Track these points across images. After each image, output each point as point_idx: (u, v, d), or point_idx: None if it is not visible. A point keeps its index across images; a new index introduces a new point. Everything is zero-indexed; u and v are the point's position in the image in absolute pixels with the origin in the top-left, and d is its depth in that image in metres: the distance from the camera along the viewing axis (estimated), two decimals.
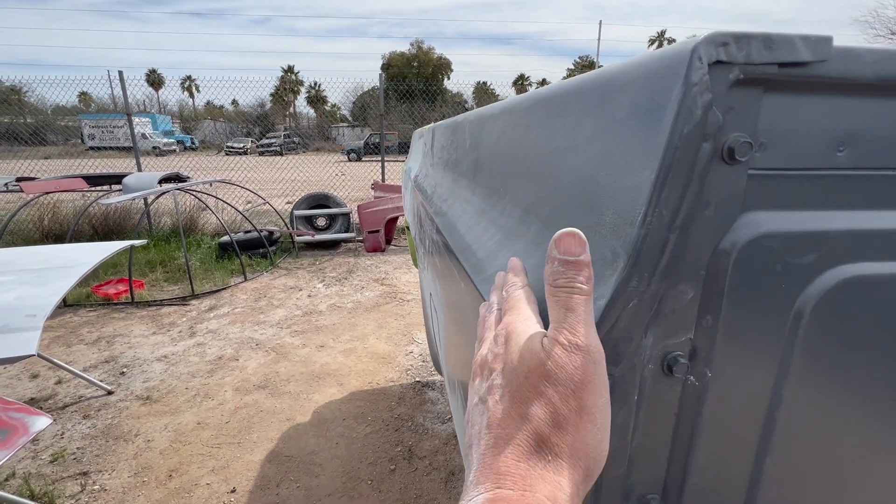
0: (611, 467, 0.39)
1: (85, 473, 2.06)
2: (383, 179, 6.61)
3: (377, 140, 9.81)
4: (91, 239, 5.49)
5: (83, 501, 1.90)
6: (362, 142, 24.54)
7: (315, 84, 47.05)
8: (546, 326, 0.34)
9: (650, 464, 0.40)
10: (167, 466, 2.10)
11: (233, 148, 25.24)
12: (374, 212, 3.86)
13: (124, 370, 2.93)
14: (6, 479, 1.99)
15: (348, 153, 23.77)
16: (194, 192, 5.04)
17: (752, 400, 0.38)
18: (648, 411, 0.38)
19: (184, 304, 4.03)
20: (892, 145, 0.35)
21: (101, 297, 4.07)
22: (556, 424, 0.30)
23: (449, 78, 46.53)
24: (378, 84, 6.69)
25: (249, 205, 6.75)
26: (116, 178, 5.38)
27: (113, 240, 4.74)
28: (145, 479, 2.03)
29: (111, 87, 7.27)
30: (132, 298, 4.03)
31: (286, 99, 47.51)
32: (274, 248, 5.47)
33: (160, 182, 5.00)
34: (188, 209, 6.18)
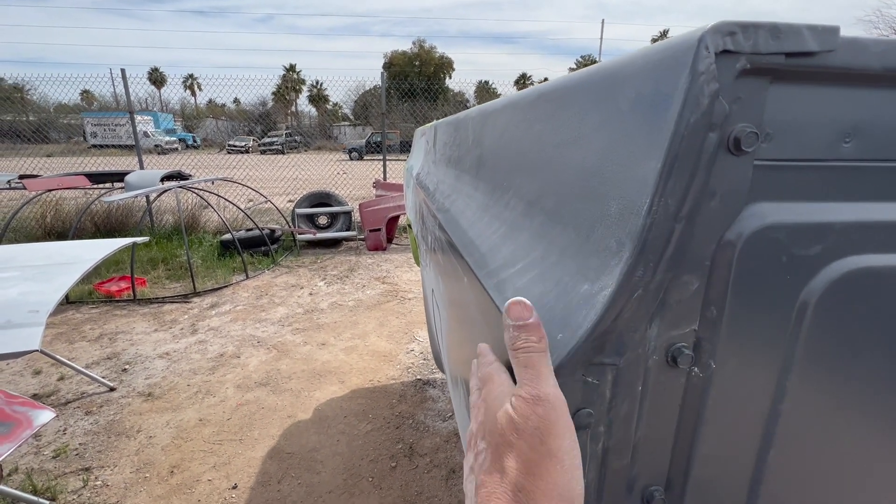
0: (615, 459, 0.39)
1: (87, 469, 2.06)
2: (385, 178, 6.61)
3: (379, 139, 9.80)
4: (93, 236, 5.50)
5: (85, 497, 1.91)
6: (364, 141, 24.50)
7: (317, 83, 47.03)
8: None
9: (654, 455, 0.40)
10: (169, 463, 2.10)
11: (234, 146, 25.21)
12: (375, 210, 3.86)
13: (126, 367, 2.94)
14: (9, 474, 2.00)
15: (350, 152, 23.74)
16: (196, 190, 5.05)
17: (756, 392, 0.38)
18: (652, 403, 0.38)
19: (185, 302, 4.03)
20: None
21: (103, 295, 4.08)
22: (528, 471, 0.33)
23: (451, 77, 46.49)
24: (380, 83, 6.69)
25: (251, 203, 6.76)
26: (119, 176, 5.39)
27: (115, 237, 4.74)
28: (147, 475, 2.03)
29: (113, 85, 7.28)
30: (134, 296, 4.04)
31: (288, 97, 47.52)
32: (275, 246, 5.47)
33: (162, 180, 5.02)
34: (190, 207, 6.19)
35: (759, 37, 0.30)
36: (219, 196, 5.32)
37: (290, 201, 7.17)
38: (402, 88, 9.00)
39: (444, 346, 1.29)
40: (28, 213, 5.56)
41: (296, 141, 26.56)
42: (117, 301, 4.02)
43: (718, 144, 0.32)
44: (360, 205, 4.04)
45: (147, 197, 5.65)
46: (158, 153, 22.02)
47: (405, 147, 17.09)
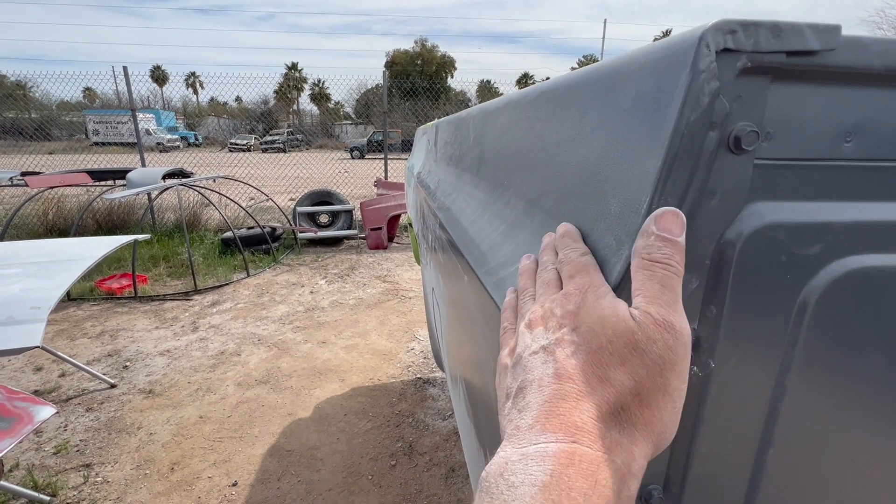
0: None
1: (88, 465, 2.07)
2: (386, 177, 6.62)
3: (380, 138, 9.80)
4: (95, 233, 5.51)
5: (86, 493, 1.92)
6: (365, 139, 24.52)
7: (318, 81, 47.14)
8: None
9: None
10: (169, 459, 2.11)
11: (236, 144, 25.23)
12: (376, 209, 3.86)
13: (127, 364, 2.95)
14: (10, 470, 2.01)
15: (351, 151, 23.74)
16: (198, 188, 5.05)
17: (756, 391, 0.38)
18: None
19: (186, 300, 4.04)
20: None
21: (104, 292, 4.08)
22: (639, 396, 0.30)
23: (453, 76, 46.48)
24: (381, 82, 6.69)
25: (252, 201, 6.77)
26: (120, 174, 5.39)
27: (117, 234, 4.76)
28: (147, 471, 2.04)
29: (115, 83, 7.30)
30: (135, 293, 4.05)
31: (290, 96, 47.55)
32: (276, 244, 5.48)
33: (164, 178, 5.02)
34: (191, 205, 6.20)
35: (760, 35, 0.30)
36: (220, 194, 5.33)
37: (291, 200, 7.18)
38: (403, 87, 8.99)
39: (444, 345, 1.29)
40: (30, 209, 5.57)
41: (297, 139, 26.55)
42: (118, 298, 4.03)
43: (719, 143, 0.32)
44: (361, 203, 4.04)
45: (149, 195, 5.66)
46: (160, 151, 22.06)
47: (406, 146, 17.09)
